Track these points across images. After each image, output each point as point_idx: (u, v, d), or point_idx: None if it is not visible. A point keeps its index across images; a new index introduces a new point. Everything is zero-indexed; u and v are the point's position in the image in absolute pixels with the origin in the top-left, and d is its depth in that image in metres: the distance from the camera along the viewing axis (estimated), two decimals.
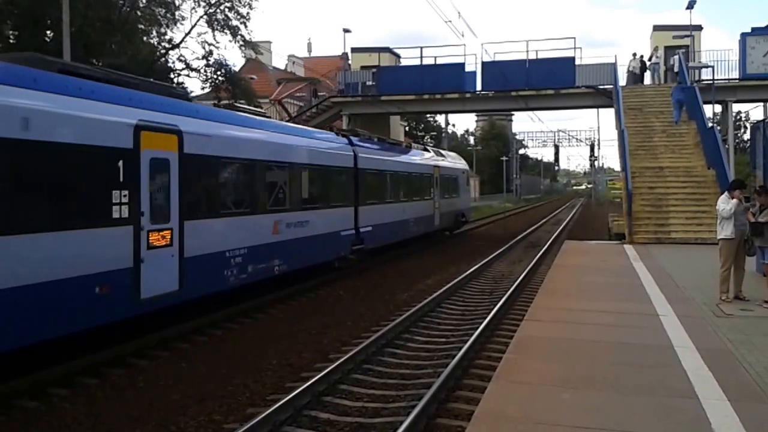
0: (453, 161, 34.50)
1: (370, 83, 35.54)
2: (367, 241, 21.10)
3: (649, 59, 33.39)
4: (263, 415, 7.72)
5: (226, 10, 34.13)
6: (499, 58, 34.70)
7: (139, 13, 31.83)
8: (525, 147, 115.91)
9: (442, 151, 34.90)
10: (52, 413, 8.52)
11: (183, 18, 33.77)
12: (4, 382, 8.97)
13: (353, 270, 20.74)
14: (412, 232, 26.31)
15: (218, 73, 35.18)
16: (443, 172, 30.75)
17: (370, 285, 18.73)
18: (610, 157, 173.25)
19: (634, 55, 33.45)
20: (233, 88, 34.81)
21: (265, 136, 15.57)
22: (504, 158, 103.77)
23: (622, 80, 32.28)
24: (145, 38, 33.46)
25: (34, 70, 9.62)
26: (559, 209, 73.88)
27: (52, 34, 26.98)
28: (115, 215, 10.45)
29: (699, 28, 34.43)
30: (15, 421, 8.24)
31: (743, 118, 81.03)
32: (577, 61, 33.46)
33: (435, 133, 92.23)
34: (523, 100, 34.00)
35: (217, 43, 35.94)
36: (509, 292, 15.77)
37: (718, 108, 33.11)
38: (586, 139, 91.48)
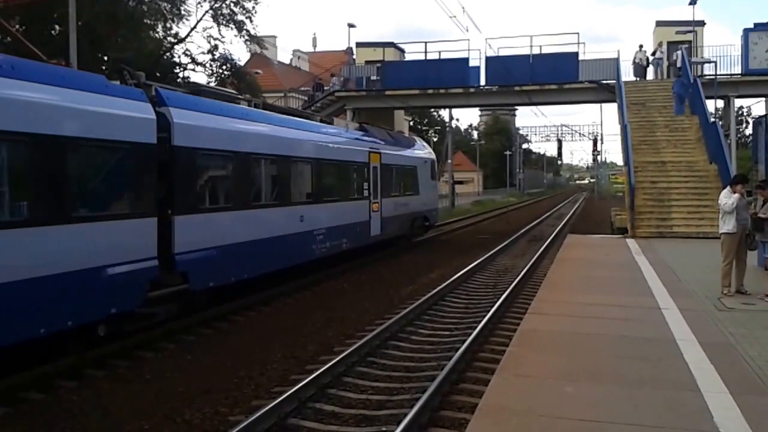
0: (407, 147, 26.43)
1: (374, 78, 35.58)
2: (198, 277, 12.33)
3: (653, 54, 33.36)
4: (268, 407, 7.78)
5: (232, 4, 34.18)
6: (503, 53, 34.72)
7: (145, 8, 31.86)
8: (528, 141, 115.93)
9: (392, 133, 26.63)
10: (59, 405, 8.60)
11: (189, 13, 33.83)
12: (11, 375, 9.05)
13: (357, 264, 20.80)
14: (321, 249, 17.64)
15: (224, 67, 35.21)
16: (389, 160, 23.15)
17: (374, 278, 18.80)
18: (613, 152, 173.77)
19: (641, 47, 33.40)
20: (238, 83, 34.87)
21: None
22: (507, 153, 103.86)
23: (626, 74, 32.26)
24: (150, 33, 33.49)
25: None
26: (561, 203, 73.86)
27: (59, 28, 27.04)
28: None
29: (701, 23, 34.39)
30: (23, 414, 8.32)
31: (745, 113, 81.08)
32: (581, 57, 33.46)
33: (439, 128, 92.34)
34: (526, 95, 33.99)
35: (223, 37, 35.94)
36: (512, 286, 15.82)
37: (720, 103, 33.11)
38: (589, 133, 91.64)
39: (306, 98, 40.68)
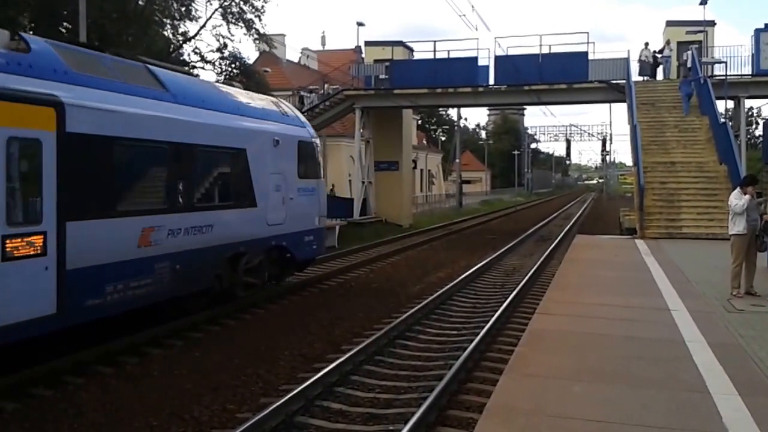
0: (216, 107, 13.30)
1: (383, 77, 35.52)
2: None
3: (660, 52, 33.10)
4: (276, 405, 7.80)
5: (241, 3, 34.20)
6: (512, 52, 34.55)
7: (155, 6, 31.94)
8: (537, 141, 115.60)
9: (159, 71, 12.44)
10: (67, 401, 8.61)
11: (197, 11, 33.89)
12: (20, 371, 9.08)
13: (363, 262, 20.80)
14: None
15: (232, 65, 35.24)
16: (113, 127, 10.48)
17: (381, 277, 18.82)
18: (622, 152, 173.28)
19: (646, 44, 33.20)
20: (247, 81, 34.87)
21: None
22: (516, 152, 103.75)
23: (634, 73, 32.07)
24: (160, 31, 33.55)
25: None
26: (570, 203, 73.76)
27: (69, 25, 27.12)
28: None
29: (712, 23, 34.20)
30: (31, 409, 8.34)
31: (755, 114, 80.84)
32: (590, 56, 33.32)
33: (447, 127, 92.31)
34: (535, 94, 33.87)
35: (232, 36, 35.93)
36: (520, 286, 15.81)
37: (731, 104, 32.93)
38: (598, 133, 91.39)
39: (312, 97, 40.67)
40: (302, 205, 15.87)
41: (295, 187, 15.48)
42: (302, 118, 17.13)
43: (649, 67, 32.57)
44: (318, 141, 17.37)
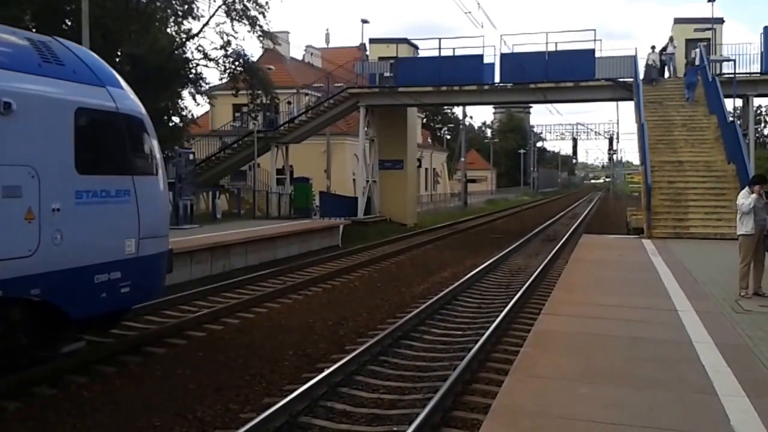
0: None
1: (387, 74, 35.40)
2: None
3: (663, 49, 32.88)
4: (279, 405, 7.74)
5: (245, 0, 34.11)
6: (518, 49, 34.43)
7: (158, 3, 31.90)
8: (543, 140, 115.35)
9: None
10: (70, 401, 8.57)
11: (198, 8, 33.81)
12: (23, 371, 9.04)
13: (368, 261, 20.74)
14: None
15: (236, 63, 35.15)
16: None
17: (386, 277, 18.76)
18: (629, 151, 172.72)
19: (653, 48, 33.01)
20: (251, 79, 34.82)
21: None
22: (521, 151, 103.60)
23: (643, 72, 31.86)
24: (162, 28, 33.50)
25: None
26: (576, 203, 73.62)
27: (71, 23, 27.13)
28: None
29: (720, 21, 33.99)
30: (34, 409, 8.29)
31: (764, 113, 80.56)
32: (597, 54, 33.14)
33: (452, 125, 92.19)
34: (541, 92, 33.73)
35: (236, 33, 35.84)
36: (526, 286, 15.73)
37: (739, 102, 32.75)
38: (605, 132, 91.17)
39: (319, 95, 40.55)
40: (91, 221, 9.17)
41: (69, 189, 8.85)
42: (104, 70, 10.05)
43: (656, 71, 32.33)
44: (143, 115, 10.36)
